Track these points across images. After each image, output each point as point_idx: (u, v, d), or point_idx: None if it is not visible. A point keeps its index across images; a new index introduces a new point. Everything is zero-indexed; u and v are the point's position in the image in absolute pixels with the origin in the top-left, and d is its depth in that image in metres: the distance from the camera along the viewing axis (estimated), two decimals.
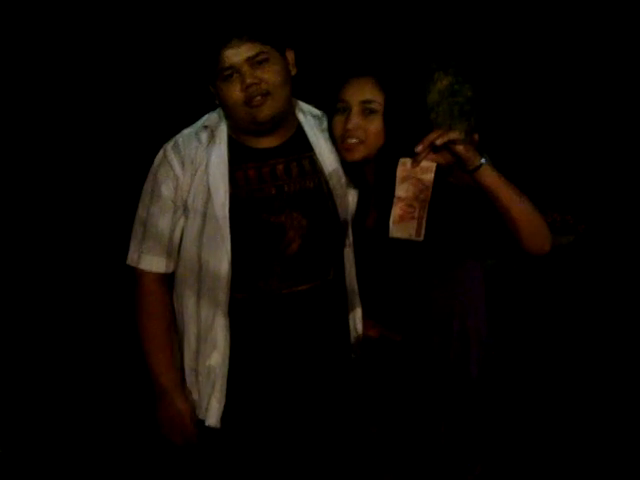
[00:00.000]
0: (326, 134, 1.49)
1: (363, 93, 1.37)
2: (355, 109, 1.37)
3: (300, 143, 1.47)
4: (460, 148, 1.23)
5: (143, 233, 1.45)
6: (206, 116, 1.48)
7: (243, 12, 1.42)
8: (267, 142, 1.43)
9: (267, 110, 1.35)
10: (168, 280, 1.49)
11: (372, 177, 1.44)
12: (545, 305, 3.07)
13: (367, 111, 1.36)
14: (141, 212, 1.46)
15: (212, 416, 1.42)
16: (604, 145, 3.58)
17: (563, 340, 2.89)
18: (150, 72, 3.19)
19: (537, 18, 3.40)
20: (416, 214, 1.30)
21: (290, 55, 1.42)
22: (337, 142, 1.42)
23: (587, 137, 3.63)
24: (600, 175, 3.54)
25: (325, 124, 1.50)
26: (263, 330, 1.42)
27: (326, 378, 1.47)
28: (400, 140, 1.34)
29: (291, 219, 1.39)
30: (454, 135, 1.24)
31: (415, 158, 1.26)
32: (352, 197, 1.51)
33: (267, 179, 1.41)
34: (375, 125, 1.37)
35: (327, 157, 1.46)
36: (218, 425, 1.43)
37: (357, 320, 1.54)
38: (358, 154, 1.38)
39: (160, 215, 1.42)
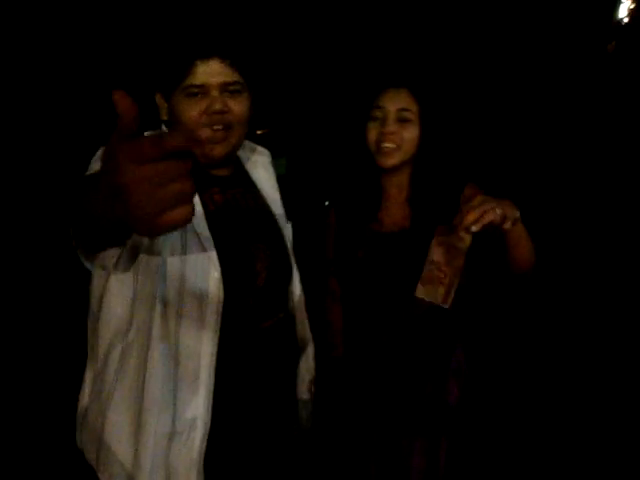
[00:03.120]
0: (269, 169, 1.43)
1: (400, 102, 1.42)
2: (392, 116, 1.41)
3: (244, 177, 1.37)
4: (507, 225, 1.09)
5: None
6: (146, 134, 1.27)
7: (233, 37, 1.25)
8: (219, 171, 1.30)
9: (222, 149, 1.22)
10: None
11: (391, 186, 1.49)
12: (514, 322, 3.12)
13: (402, 119, 1.41)
14: None
15: None
16: (565, 170, 3.63)
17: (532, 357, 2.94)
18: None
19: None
20: (446, 281, 1.33)
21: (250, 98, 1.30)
22: (371, 148, 1.45)
23: (546, 161, 3.67)
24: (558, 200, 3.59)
25: (269, 160, 1.44)
26: (240, 372, 1.22)
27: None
28: (436, 148, 1.44)
29: (257, 250, 1.26)
30: (495, 217, 1.07)
31: (452, 227, 1.30)
32: (289, 230, 1.40)
33: (232, 205, 1.28)
34: (410, 132, 1.42)
35: (269, 191, 1.39)
36: None
37: (310, 357, 1.45)
38: (394, 159, 1.43)
39: None
